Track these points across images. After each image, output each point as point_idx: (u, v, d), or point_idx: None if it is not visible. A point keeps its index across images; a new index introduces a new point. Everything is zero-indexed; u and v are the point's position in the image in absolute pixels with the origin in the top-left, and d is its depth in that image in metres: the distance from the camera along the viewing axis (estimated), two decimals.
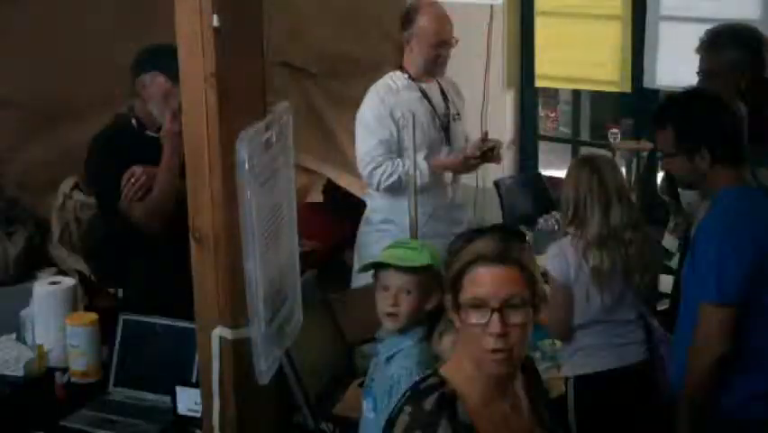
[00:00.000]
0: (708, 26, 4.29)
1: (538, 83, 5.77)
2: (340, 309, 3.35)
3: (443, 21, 3.99)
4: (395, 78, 4.03)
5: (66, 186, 4.13)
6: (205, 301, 2.34)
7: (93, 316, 3.22)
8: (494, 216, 5.34)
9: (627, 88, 5.36)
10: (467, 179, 5.03)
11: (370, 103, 4.01)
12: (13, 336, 3.41)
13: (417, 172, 3.71)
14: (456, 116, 4.13)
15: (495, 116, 5.60)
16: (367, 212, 4.13)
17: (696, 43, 3.48)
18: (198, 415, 2.57)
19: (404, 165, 3.84)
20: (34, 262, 4.15)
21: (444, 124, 4.06)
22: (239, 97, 2.26)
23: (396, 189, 3.92)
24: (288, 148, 2.44)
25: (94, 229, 3.98)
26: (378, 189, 3.98)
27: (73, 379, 3.16)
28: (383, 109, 3.95)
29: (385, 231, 3.92)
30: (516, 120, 5.73)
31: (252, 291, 2.22)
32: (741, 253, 2.74)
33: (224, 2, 2.19)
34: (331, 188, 5.23)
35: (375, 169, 3.93)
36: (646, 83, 5.21)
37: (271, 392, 2.41)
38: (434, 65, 4.01)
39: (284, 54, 4.80)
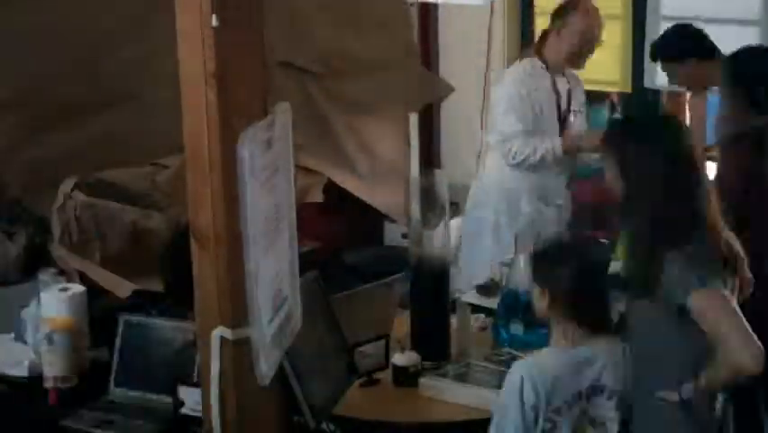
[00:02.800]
0: (709, 26, 4.30)
1: None
2: (340, 309, 3.34)
3: (596, 19, 4.39)
4: (533, 64, 4.43)
5: (66, 186, 4.12)
6: (206, 301, 2.34)
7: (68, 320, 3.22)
8: None
9: (627, 88, 5.36)
10: (467, 178, 5.04)
11: (511, 81, 4.41)
12: (13, 335, 3.41)
13: (552, 152, 4.29)
14: (577, 112, 4.51)
15: None
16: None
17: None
18: (199, 415, 2.57)
19: (538, 147, 4.29)
20: (35, 262, 4.15)
21: (563, 117, 4.43)
22: (239, 97, 2.26)
23: (525, 166, 4.36)
24: (287, 148, 2.44)
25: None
26: (509, 164, 4.38)
27: (46, 385, 3.16)
28: (523, 90, 4.34)
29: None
30: None
31: (252, 291, 2.22)
32: None
33: (224, 2, 2.19)
34: (331, 188, 5.23)
35: (508, 143, 4.33)
36: (646, 83, 5.21)
37: (271, 392, 2.41)
38: (578, 57, 4.41)
39: (284, 54, 4.80)
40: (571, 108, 4.48)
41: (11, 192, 4.26)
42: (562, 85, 4.46)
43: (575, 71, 4.54)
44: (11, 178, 4.24)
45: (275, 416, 2.49)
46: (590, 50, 4.44)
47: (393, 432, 3.15)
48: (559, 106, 4.43)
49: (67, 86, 4.10)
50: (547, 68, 4.41)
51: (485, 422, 3.02)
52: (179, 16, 2.23)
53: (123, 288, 3.83)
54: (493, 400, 2.94)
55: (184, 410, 2.85)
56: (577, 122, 4.51)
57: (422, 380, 3.26)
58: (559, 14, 4.42)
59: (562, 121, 4.44)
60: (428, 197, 3.88)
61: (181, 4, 2.22)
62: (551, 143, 4.33)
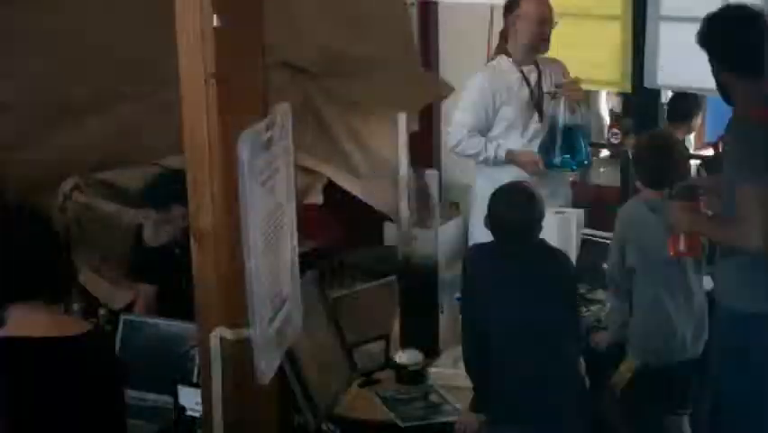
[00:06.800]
0: None
1: None
2: (340, 309, 3.35)
3: (543, 2, 4.48)
4: (501, 62, 4.55)
5: (66, 186, 4.12)
6: (206, 301, 2.34)
7: None
8: None
9: (627, 88, 5.35)
10: (467, 178, 5.04)
11: (476, 81, 4.52)
12: None
13: (493, 155, 4.39)
14: (552, 94, 4.53)
15: None
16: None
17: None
18: (199, 415, 2.57)
19: (486, 148, 4.40)
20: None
21: (539, 104, 4.51)
22: (239, 97, 2.26)
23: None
24: (287, 148, 2.44)
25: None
26: (453, 152, 4.53)
27: None
28: (487, 89, 4.46)
29: None
30: None
31: (252, 291, 2.22)
32: None
33: (224, 2, 2.19)
34: (331, 188, 5.23)
35: (460, 139, 4.44)
36: (646, 83, 5.20)
37: (272, 393, 2.42)
38: (539, 42, 4.47)
39: (284, 54, 4.79)
40: (544, 91, 4.55)
41: (11, 193, 4.26)
42: (532, 74, 4.53)
43: (546, 56, 4.61)
44: (10, 179, 4.24)
45: (275, 416, 2.49)
46: (549, 33, 4.52)
47: (393, 432, 3.16)
48: (532, 93, 4.50)
49: (67, 86, 4.10)
50: (515, 62, 4.53)
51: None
52: (179, 16, 2.23)
53: (117, 299, 3.84)
54: None
55: (184, 411, 2.85)
56: (554, 104, 4.55)
57: (433, 369, 3.31)
58: (510, 9, 4.52)
59: (539, 109, 4.52)
60: (420, 196, 3.90)
61: (181, 4, 2.22)
62: (494, 149, 4.43)
